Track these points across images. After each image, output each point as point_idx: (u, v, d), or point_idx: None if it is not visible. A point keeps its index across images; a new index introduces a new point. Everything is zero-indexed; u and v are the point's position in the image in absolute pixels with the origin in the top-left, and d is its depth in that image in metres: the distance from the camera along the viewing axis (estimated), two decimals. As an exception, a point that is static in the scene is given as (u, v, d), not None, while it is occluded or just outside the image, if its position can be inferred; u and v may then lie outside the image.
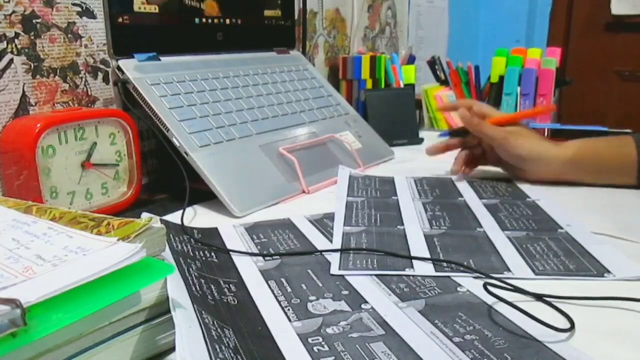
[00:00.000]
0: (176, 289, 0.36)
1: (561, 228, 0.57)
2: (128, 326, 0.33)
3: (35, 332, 0.27)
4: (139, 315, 0.34)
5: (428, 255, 0.50)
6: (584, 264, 0.48)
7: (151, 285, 0.34)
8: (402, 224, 0.59)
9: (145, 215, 0.39)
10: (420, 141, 1.04)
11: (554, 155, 0.71)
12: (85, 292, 0.29)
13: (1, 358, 0.26)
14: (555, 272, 0.47)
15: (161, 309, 0.35)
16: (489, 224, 0.59)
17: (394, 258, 0.50)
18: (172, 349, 0.35)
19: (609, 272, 0.47)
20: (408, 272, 0.47)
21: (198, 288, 0.41)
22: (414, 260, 0.49)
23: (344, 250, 0.51)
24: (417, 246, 0.53)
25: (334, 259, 0.50)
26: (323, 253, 0.51)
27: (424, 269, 0.48)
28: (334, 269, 0.48)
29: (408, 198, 0.68)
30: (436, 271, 0.47)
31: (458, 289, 0.44)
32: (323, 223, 0.59)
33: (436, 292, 0.43)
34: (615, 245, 0.53)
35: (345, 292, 0.43)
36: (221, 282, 0.45)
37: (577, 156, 0.71)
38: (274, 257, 0.50)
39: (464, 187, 0.73)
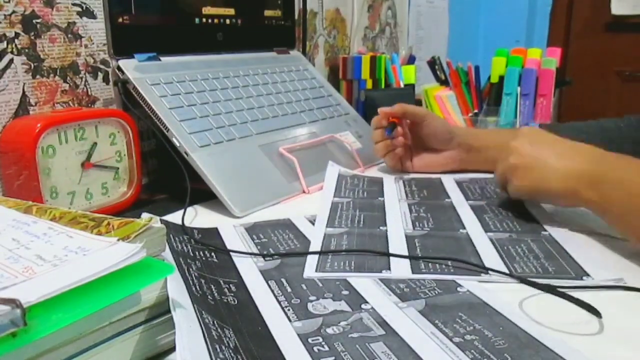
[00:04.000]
0: (176, 289, 0.36)
1: (545, 230, 0.57)
2: (128, 326, 0.33)
3: (35, 332, 0.27)
4: (139, 315, 0.34)
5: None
6: (564, 266, 0.48)
7: (151, 285, 0.34)
8: (385, 225, 0.58)
9: (145, 216, 0.40)
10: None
11: (466, 132, 0.80)
12: (85, 292, 0.29)
13: (1, 358, 0.26)
14: (534, 274, 0.47)
15: (161, 309, 0.35)
16: (472, 225, 0.58)
17: (373, 260, 0.50)
18: (172, 349, 0.36)
19: (587, 275, 0.46)
20: (385, 274, 0.47)
21: (198, 288, 0.41)
22: (391, 263, 0.49)
23: (322, 253, 0.51)
24: (397, 247, 0.52)
25: (311, 261, 0.49)
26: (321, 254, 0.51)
27: (400, 271, 0.47)
28: (310, 272, 0.47)
29: (394, 199, 0.67)
30: (413, 272, 0.47)
31: (458, 289, 0.44)
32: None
33: (436, 293, 0.43)
34: (604, 243, 0.53)
35: (345, 292, 0.43)
36: (221, 282, 0.45)
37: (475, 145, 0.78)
38: (274, 258, 0.50)
39: (452, 187, 0.72)
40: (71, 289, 0.28)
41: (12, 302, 0.26)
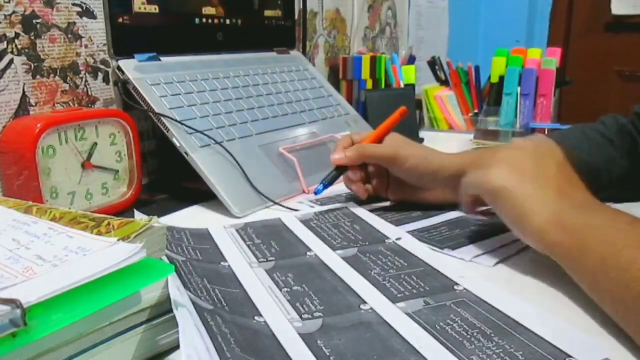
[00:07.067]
0: (177, 289, 0.35)
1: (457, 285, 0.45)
2: (128, 326, 0.33)
3: (35, 332, 0.27)
4: (139, 315, 0.34)
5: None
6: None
7: (152, 285, 0.34)
8: (260, 315, 0.40)
9: (138, 214, 0.39)
10: (420, 141, 1.04)
11: (450, 162, 0.57)
12: (86, 292, 0.29)
13: (1, 358, 0.26)
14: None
15: (162, 309, 0.35)
16: (374, 296, 0.43)
17: None
18: (173, 349, 0.36)
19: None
20: None
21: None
22: None
23: None
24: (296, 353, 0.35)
25: None
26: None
27: None
28: None
29: (242, 262, 0.49)
30: None
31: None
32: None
33: None
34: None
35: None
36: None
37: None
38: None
39: (303, 232, 0.56)
40: (71, 289, 0.28)
41: (12, 302, 0.26)
